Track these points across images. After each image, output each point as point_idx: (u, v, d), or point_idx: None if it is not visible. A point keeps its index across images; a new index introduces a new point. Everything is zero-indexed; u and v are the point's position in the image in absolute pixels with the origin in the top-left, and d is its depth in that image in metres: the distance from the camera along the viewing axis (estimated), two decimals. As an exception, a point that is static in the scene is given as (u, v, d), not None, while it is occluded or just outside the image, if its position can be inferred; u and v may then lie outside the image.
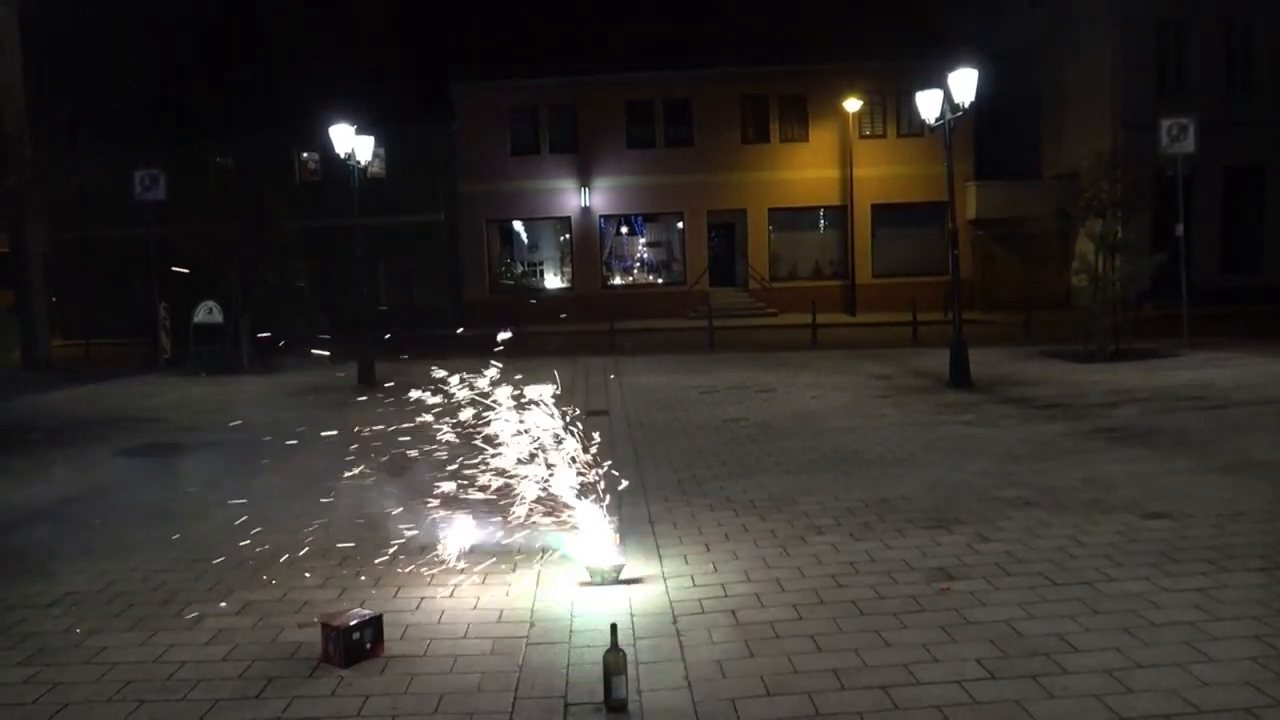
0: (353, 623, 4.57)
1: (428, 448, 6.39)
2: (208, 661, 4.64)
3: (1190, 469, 7.92)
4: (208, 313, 18.79)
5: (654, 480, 8.21)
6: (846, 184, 28.49)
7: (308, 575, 5.89)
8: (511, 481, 5.86)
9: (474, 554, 6.06)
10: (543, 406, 5.91)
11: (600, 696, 4.06)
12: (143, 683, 4.42)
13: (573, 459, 5.83)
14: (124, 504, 7.90)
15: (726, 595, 5.34)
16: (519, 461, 5.85)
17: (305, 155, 28.50)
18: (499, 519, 6.21)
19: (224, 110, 27.79)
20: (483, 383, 5.82)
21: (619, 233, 30.22)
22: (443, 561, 6.01)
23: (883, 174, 28.38)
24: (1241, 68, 25.98)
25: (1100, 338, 15.57)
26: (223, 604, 5.43)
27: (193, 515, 7.42)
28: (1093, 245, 15.95)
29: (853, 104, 27.53)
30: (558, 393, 6.01)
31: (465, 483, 6.22)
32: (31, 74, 20.01)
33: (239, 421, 12.12)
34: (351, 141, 15.59)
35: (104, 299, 27.35)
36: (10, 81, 17.80)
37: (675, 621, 4.96)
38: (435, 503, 6.98)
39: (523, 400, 5.82)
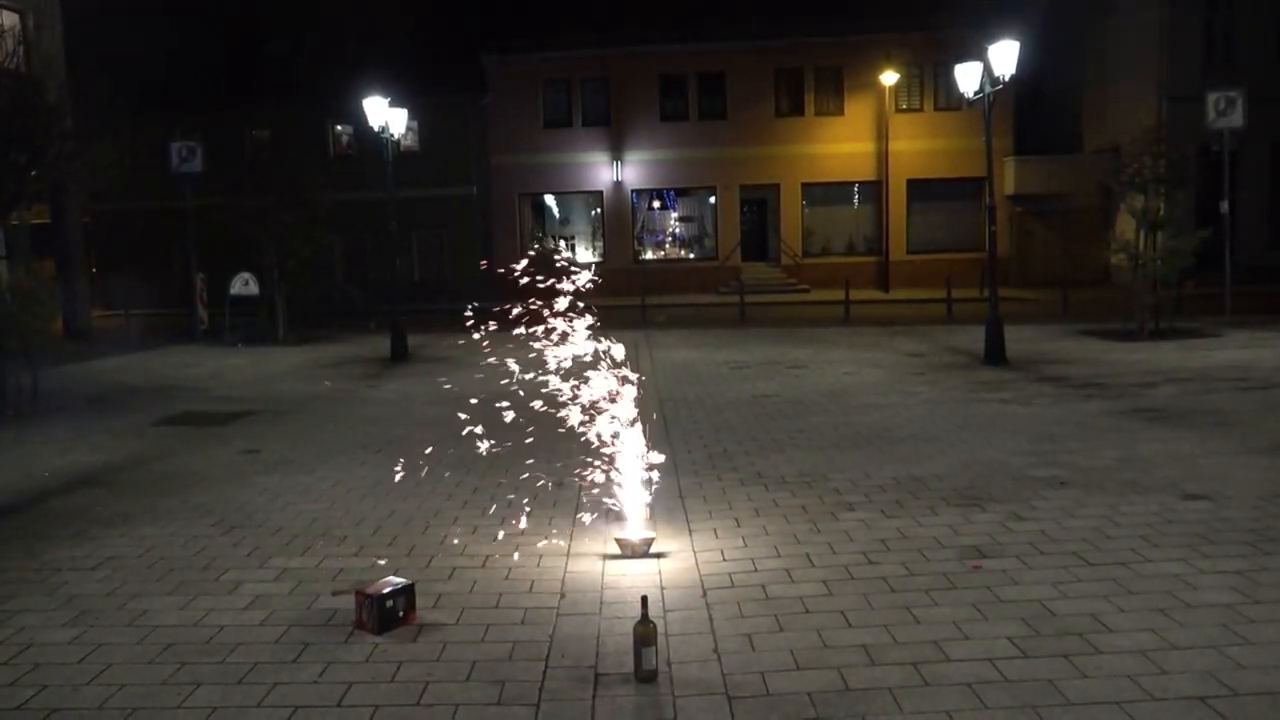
0: (386, 590, 4.64)
1: (453, 427, 6.43)
2: (246, 626, 4.73)
3: (1230, 450, 7.79)
4: (244, 284, 19.06)
5: (684, 455, 8.22)
6: (882, 158, 28.11)
7: (343, 543, 5.98)
8: (542, 456, 5.89)
9: (505, 525, 6.11)
10: (573, 382, 5.90)
11: (630, 667, 4.09)
12: (183, 645, 4.52)
13: (602, 434, 5.84)
14: (163, 471, 8.05)
15: (756, 570, 5.35)
16: (549, 437, 5.87)
17: (339, 128, 28.63)
18: (529, 493, 6.26)
19: (259, 83, 27.97)
20: (513, 359, 5.82)
21: (651, 207, 30.09)
22: (474, 532, 6.08)
23: (919, 148, 27.96)
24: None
25: (1140, 316, 15.32)
26: (260, 570, 5.53)
27: (230, 483, 7.56)
28: (1134, 222, 15.65)
29: (889, 77, 27.08)
30: (588, 369, 6.00)
31: (493, 460, 6.26)
32: (70, 45, 20.20)
33: (274, 391, 12.29)
34: (385, 114, 15.60)
35: (143, 270, 27.74)
36: (52, 53, 18.00)
37: (705, 595, 4.98)
38: (463, 477, 7.06)
39: (551, 377, 5.81)
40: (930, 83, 28.13)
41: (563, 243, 30.07)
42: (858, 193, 29.25)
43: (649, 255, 29.98)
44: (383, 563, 5.56)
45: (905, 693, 3.89)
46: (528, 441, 5.98)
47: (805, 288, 27.44)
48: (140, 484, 7.61)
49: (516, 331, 5.80)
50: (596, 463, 5.83)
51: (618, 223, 29.23)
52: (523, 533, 6.04)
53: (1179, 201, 16.04)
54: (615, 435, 5.76)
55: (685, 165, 28.80)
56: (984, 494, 6.72)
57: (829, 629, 4.53)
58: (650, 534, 5.69)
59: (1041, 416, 9.45)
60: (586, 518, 5.99)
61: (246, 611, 4.92)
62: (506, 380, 5.79)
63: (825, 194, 29.13)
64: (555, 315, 5.74)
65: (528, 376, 5.74)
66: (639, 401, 5.86)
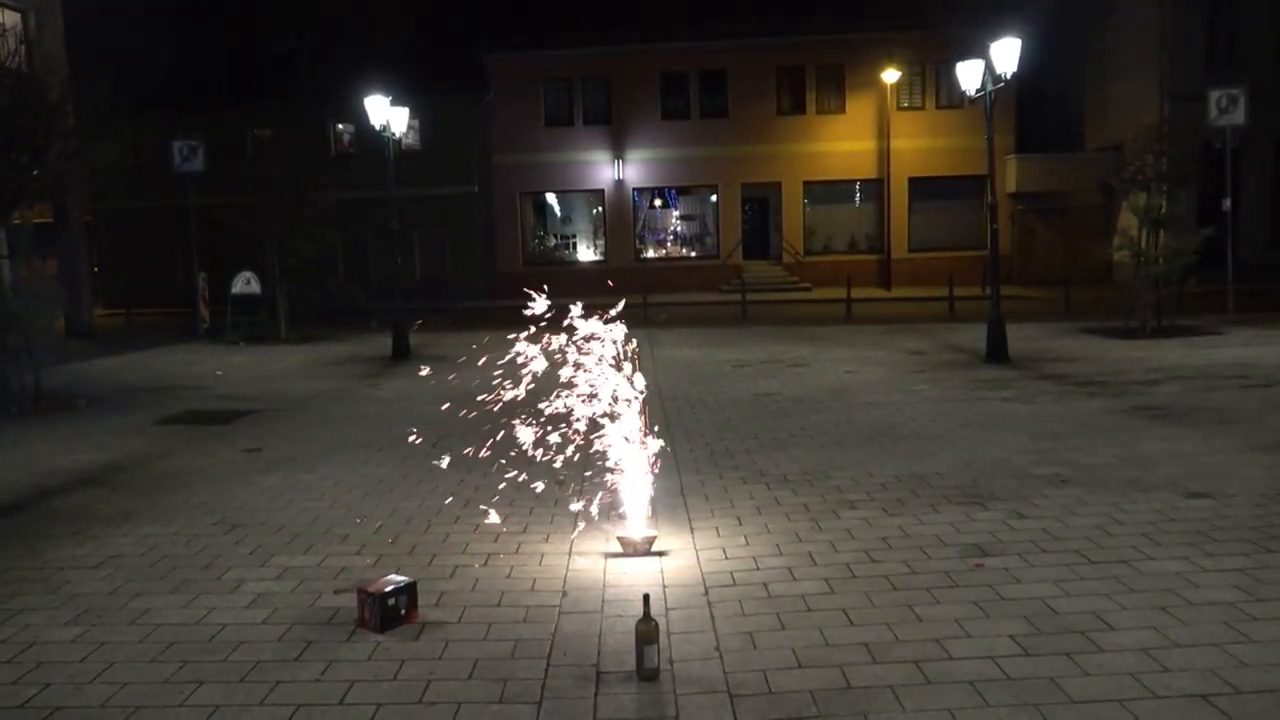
0: (388, 589, 4.64)
1: (455, 426, 6.43)
2: (248, 624, 4.73)
3: (1233, 448, 7.78)
4: (245, 283, 19.09)
5: (686, 452, 8.22)
6: (883, 156, 28.10)
7: (345, 541, 5.97)
8: (542, 454, 5.88)
9: (506, 524, 6.11)
10: (575, 382, 5.89)
11: (632, 665, 4.09)
12: (186, 644, 4.52)
13: (603, 433, 5.83)
14: (165, 470, 8.05)
15: (758, 568, 5.34)
16: (550, 436, 5.86)
17: (340, 127, 28.65)
18: (530, 492, 6.25)
19: (259, 83, 27.98)
20: (513, 358, 5.80)
21: (652, 205, 30.09)
22: (476, 530, 6.08)
23: (921, 146, 27.95)
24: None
25: (1142, 314, 15.30)
26: (262, 568, 5.53)
27: (232, 481, 7.56)
28: (1136, 220, 15.64)
29: (891, 75, 27.07)
30: (591, 368, 5.99)
31: (494, 459, 6.25)
32: (71, 45, 20.21)
33: (276, 390, 12.29)
34: (386, 113, 15.60)
35: (144, 269, 27.79)
36: (54, 52, 18.01)
37: (707, 593, 4.98)
38: (465, 476, 7.03)
39: (554, 377, 5.81)
40: (932, 81, 28.12)
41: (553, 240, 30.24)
42: (859, 191, 29.24)
43: (650, 254, 29.99)
44: (373, 562, 5.56)
45: (907, 691, 3.89)
46: (529, 440, 5.96)
47: (807, 286, 27.44)
48: (142, 482, 7.61)
49: (517, 333, 5.77)
50: (598, 461, 5.83)
51: (619, 221, 29.23)
52: (524, 531, 6.04)
53: (1181, 199, 16.04)
54: (616, 433, 5.75)
55: (686, 164, 28.79)
56: (986, 492, 6.72)
57: (831, 627, 4.53)
58: (652, 532, 5.69)
59: (1043, 414, 9.44)
60: (588, 516, 5.98)
61: (248, 610, 4.92)
62: (507, 380, 5.78)
63: (827, 192, 29.12)
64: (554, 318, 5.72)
65: (528, 380, 5.73)
66: (640, 399, 5.85)
